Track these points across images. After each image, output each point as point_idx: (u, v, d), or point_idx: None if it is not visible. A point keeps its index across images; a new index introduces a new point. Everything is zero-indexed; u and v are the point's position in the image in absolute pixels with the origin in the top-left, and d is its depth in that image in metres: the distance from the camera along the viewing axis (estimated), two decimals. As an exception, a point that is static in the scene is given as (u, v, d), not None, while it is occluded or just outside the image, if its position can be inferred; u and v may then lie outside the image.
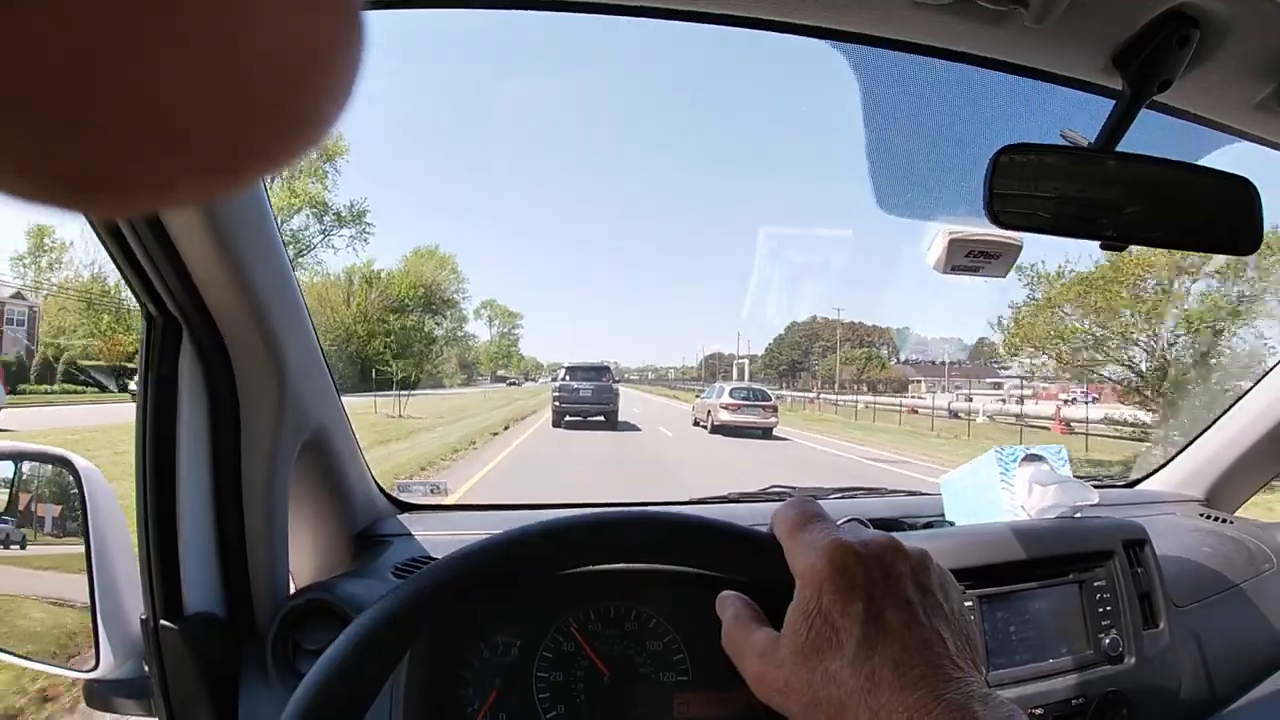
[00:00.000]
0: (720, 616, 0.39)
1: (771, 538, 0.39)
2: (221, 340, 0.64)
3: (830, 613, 0.33)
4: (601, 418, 14.35)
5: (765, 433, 13.93)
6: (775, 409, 14.95)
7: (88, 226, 0.66)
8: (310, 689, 0.39)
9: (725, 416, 13.74)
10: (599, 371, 15.06)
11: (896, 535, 0.37)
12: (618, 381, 16.20)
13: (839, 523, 0.39)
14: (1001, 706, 0.30)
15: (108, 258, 0.64)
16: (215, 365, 0.65)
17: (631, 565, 0.48)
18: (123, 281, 0.66)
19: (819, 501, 0.46)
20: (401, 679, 0.62)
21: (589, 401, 14.26)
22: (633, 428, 14.51)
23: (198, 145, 0.10)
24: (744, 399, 14.50)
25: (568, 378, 14.88)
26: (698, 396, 19.06)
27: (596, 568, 0.47)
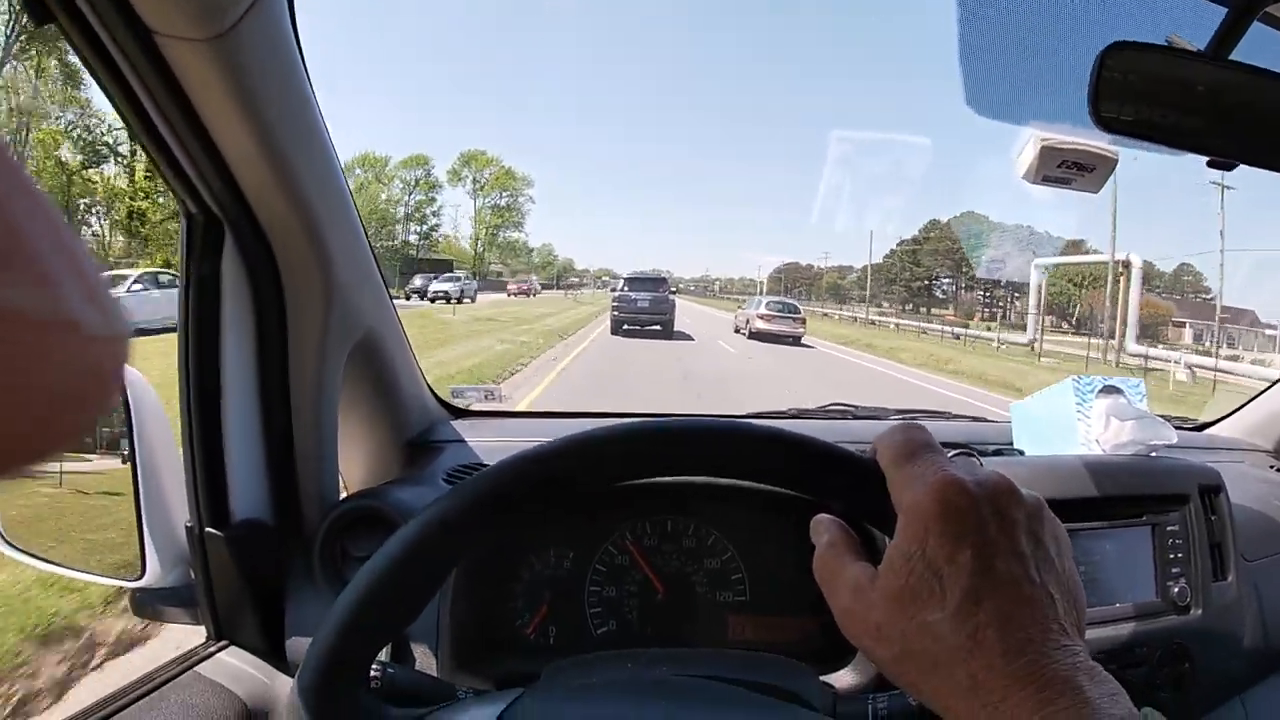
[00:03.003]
0: (814, 541, 0.36)
1: (874, 464, 0.35)
2: (265, 238, 0.62)
3: (935, 558, 0.30)
4: (658, 326, 15.02)
5: (795, 340, 16.22)
6: (803, 320, 17.49)
7: (121, 121, 0.63)
8: (355, 596, 0.37)
9: (760, 325, 16.14)
10: (656, 283, 15.86)
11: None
12: (674, 293, 17.18)
13: (949, 455, 0.35)
14: (1107, 682, 0.27)
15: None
16: (259, 265, 0.62)
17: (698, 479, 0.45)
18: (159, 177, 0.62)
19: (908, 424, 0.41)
20: (449, 589, 0.61)
21: (646, 311, 14.97)
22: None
23: None
24: (777, 310, 17.05)
25: (626, 288, 15.59)
26: (739, 307, 21.52)
27: (657, 480, 0.44)
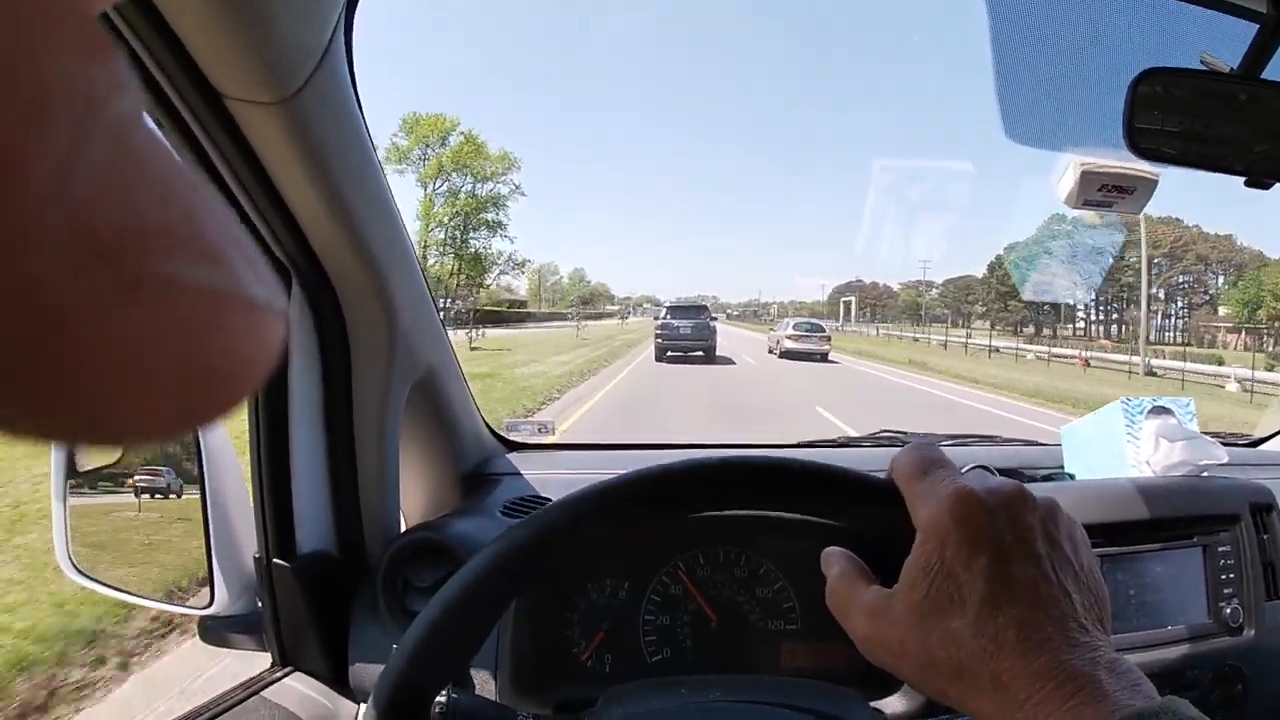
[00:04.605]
0: (825, 573, 0.37)
1: (890, 485, 0.36)
2: (331, 286, 0.65)
3: (953, 567, 0.31)
4: (700, 352, 15.66)
5: (822, 357, 17.59)
6: (828, 338, 18.96)
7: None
8: (423, 628, 0.39)
9: (789, 344, 17.69)
10: (697, 310, 17.01)
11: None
12: (714, 319, 18.33)
13: (962, 470, 0.36)
14: (1129, 674, 0.28)
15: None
16: (325, 310, 0.66)
17: (744, 510, 0.46)
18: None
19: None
20: (508, 618, 0.63)
21: (688, 338, 15.64)
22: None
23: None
24: (804, 331, 18.66)
25: (669, 316, 16.44)
26: (771, 329, 23.79)
27: (708, 513, 0.46)
